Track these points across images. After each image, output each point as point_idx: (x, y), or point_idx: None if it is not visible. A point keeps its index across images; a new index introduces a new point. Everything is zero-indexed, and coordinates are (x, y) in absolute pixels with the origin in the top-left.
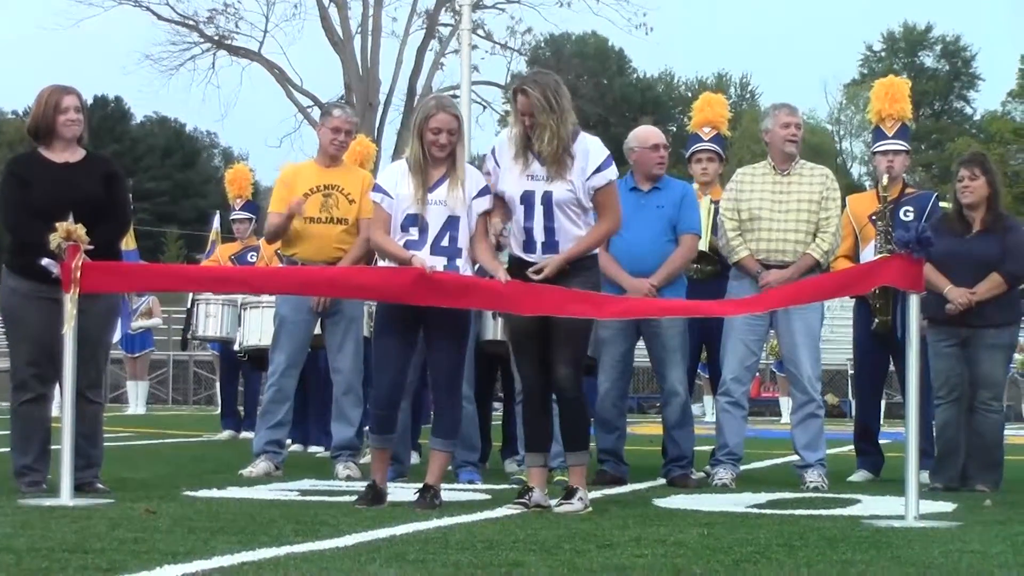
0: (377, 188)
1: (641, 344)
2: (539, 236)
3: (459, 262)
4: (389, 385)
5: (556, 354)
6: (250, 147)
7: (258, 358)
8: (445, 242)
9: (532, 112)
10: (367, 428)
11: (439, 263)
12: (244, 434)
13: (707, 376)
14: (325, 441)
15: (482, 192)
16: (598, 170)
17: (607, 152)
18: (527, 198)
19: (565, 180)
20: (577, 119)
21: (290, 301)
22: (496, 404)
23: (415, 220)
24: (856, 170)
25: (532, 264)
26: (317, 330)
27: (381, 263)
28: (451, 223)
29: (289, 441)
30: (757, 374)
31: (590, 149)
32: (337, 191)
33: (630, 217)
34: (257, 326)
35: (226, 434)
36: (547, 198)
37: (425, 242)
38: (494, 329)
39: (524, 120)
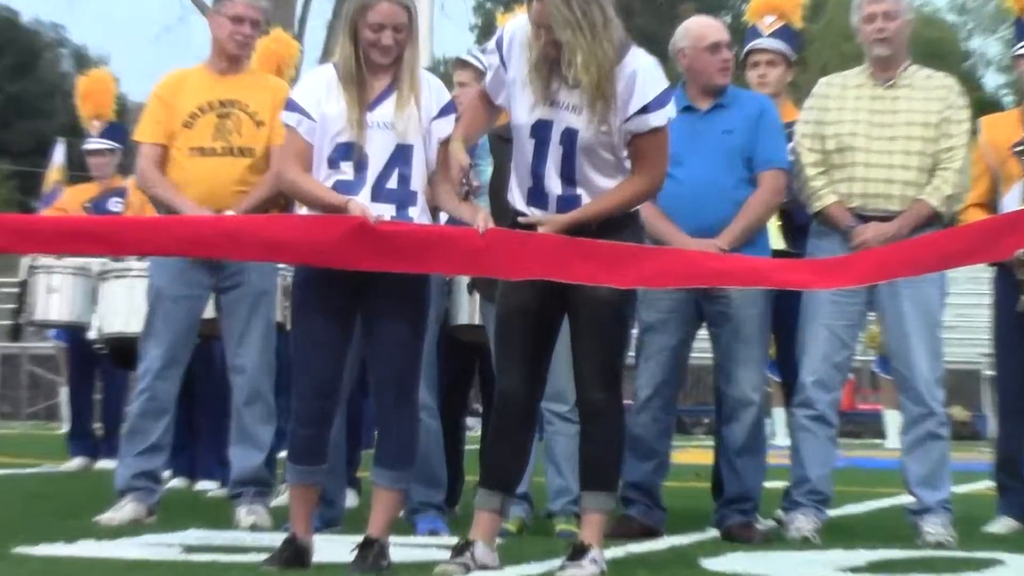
0: (292, 106)
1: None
2: (553, 186)
3: (412, 211)
4: (316, 391)
5: (580, 347)
6: (113, 46)
7: (123, 351)
8: (392, 182)
9: (549, 25)
10: (283, 455)
11: (386, 212)
12: (102, 463)
13: (777, 379)
14: (220, 473)
15: (445, 110)
16: (645, 109)
17: (663, 83)
18: (540, 131)
19: (600, 117)
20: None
21: (169, 268)
22: (472, 421)
23: (348, 152)
24: (992, 80)
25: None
26: (209, 311)
27: (300, 212)
28: (401, 155)
29: (168, 473)
30: (851, 376)
31: (639, 75)
32: (238, 109)
33: (684, 149)
34: (122, 305)
35: (76, 462)
36: (569, 137)
37: (364, 183)
38: (469, 309)
39: (540, 34)
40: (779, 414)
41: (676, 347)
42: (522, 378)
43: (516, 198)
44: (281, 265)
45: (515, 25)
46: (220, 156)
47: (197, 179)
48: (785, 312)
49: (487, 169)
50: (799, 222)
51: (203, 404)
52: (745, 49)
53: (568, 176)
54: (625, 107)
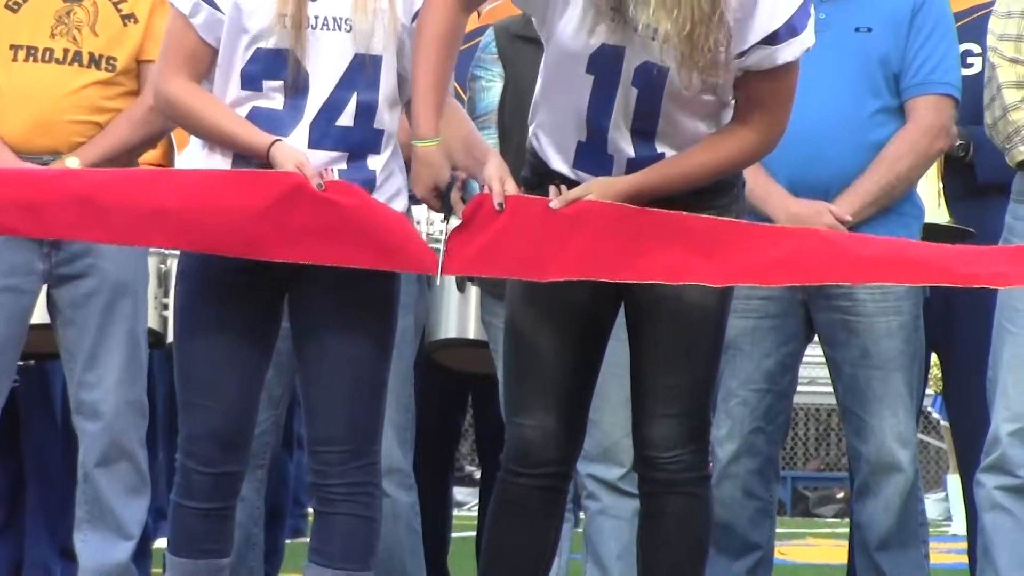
0: None
1: (810, 359)
2: (621, 142)
3: (374, 161)
4: (214, 440)
5: (651, 376)
6: None
7: None
8: (346, 117)
9: None
10: (162, 543)
11: (334, 163)
12: None
13: (944, 422)
14: (61, 573)
15: None
16: (772, 39)
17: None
18: (604, 63)
19: (699, 64)
20: None
21: None
22: (464, 492)
23: (277, 64)
24: None
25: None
26: (41, 314)
27: (197, 160)
28: (361, 73)
29: None
30: None
31: None
32: None
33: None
34: None
35: None
36: (650, 76)
37: (299, 116)
38: (459, 315)
39: None
40: (952, 483)
41: (774, 372)
42: (550, 425)
43: (550, 155)
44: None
45: None
46: (60, 64)
47: (19, 96)
48: (953, 318)
49: (492, 86)
50: (983, 181)
51: (34, 464)
52: None
53: (646, 130)
54: (742, 34)
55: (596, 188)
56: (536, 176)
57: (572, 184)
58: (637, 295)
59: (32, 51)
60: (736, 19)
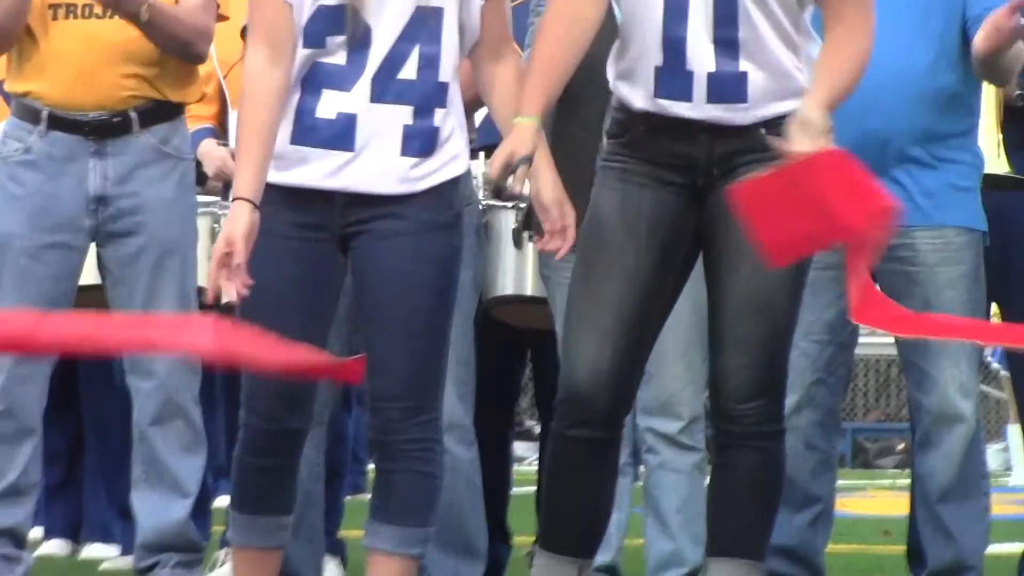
0: None
1: None
2: (701, 56)
3: (439, 115)
4: (277, 395)
5: (729, 326)
6: None
7: None
8: (409, 70)
9: None
10: (221, 502)
11: (398, 116)
12: None
13: (1006, 372)
14: (121, 532)
15: None
16: None
17: None
18: None
19: None
20: None
21: (22, 198)
22: (524, 447)
23: (339, 20)
24: None
25: (686, 121)
26: (90, 275)
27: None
28: (422, 25)
29: (39, 532)
30: None
31: None
32: None
33: None
34: None
35: None
36: None
37: (361, 70)
38: (516, 271)
39: None
40: (1015, 433)
41: (835, 326)
42: (603, 367)
43: (631, 95)
44: (212, 196)
45: None
46: (100, 19)
47: (62, 54)
48: (1011, 269)
49: None
50: None
51: (92, 424)
52: None
53: (728, 39)
54: None
55: (800, 127)
56: (620, 124)
57: (656, 118)
58: (718, 245)
59: (71, 8)
60: None
